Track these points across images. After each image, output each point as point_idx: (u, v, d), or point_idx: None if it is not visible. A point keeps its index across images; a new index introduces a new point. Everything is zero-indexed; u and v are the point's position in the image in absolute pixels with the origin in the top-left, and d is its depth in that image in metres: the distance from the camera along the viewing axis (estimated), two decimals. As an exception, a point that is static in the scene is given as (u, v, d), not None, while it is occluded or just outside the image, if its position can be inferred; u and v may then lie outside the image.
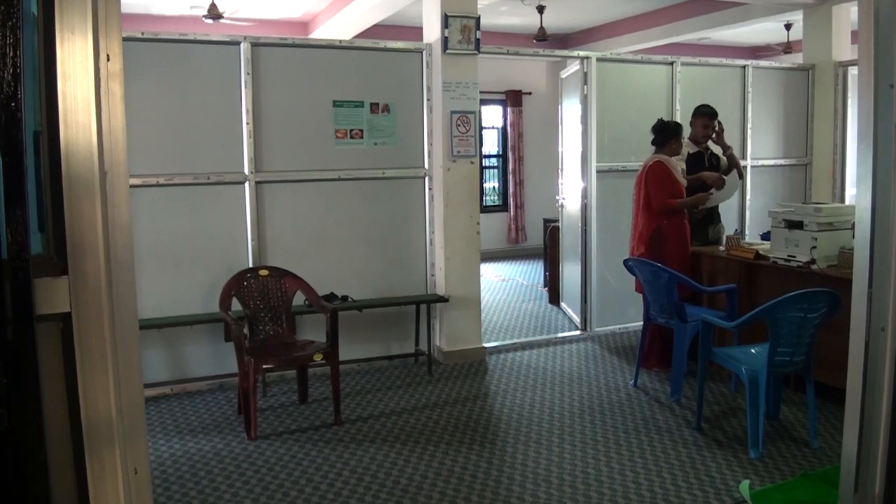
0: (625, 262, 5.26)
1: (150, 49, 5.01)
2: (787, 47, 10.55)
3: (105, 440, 1.52)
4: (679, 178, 5.51)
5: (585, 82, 6.57)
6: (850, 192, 7.49)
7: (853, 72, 7.48)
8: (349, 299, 5.51)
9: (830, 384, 4.61)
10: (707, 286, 5.42)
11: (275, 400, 5.08)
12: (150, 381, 5.15)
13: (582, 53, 6.62)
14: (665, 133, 5.49)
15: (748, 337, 4.84)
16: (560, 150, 7.51)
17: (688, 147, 5.90)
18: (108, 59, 1.48)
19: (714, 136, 5.93)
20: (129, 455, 1.57)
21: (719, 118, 5.90)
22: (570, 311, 7.35)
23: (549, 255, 8.35)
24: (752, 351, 4.34)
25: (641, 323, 5.49)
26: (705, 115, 5.89)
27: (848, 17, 7.62)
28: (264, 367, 4.38)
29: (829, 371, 4.51)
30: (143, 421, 1.67)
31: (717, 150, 6.00)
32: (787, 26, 10.06)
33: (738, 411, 4.78)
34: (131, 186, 4.75)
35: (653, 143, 5.57)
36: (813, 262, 4.80)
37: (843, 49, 7.59)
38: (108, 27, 1.46)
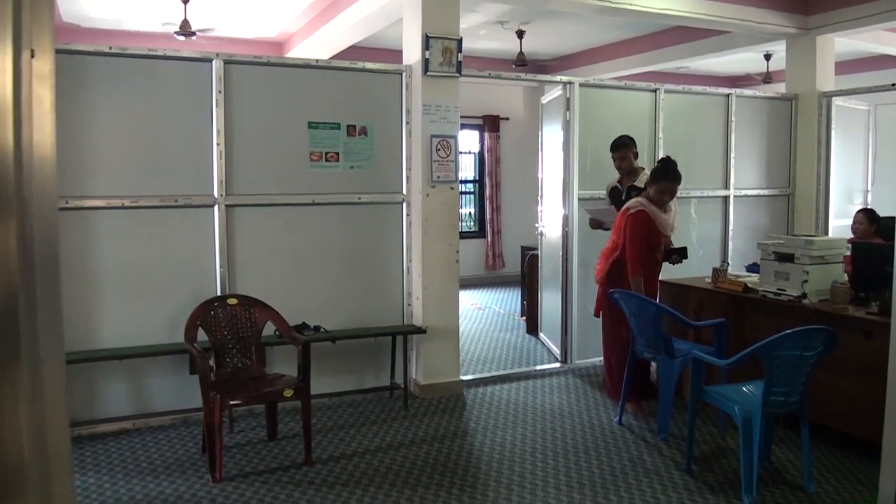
0: (611, 293, 5.06)
1: (117, 64, 4.77)
2: (767, 77, 10.52)
3: (13, 489, 1.27)
4: (661, 227, 5.21)
5: (568, 108, 6.42)
6: (834, 223, 7.39)
7: (837, 102, 7.41)
8: (322, 329, 5.26)
9: (824, 424, 4.44)
10: (693, 319, 5.23)
11: (242, 436, 4.79)
12: (111, 416, 4.88)
13: (564, 78, 6.47)
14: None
15: (737, 373, 4.65)
16: (540, 176, 7.33)
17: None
18: (33, 56, 1.14)
19: (622, 170, 5.82)
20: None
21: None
22: (549, 343, 7.14)
23: (528, 283, 8.15)
24: (745, 390, 4.15)
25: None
26: (613, 150, 5.83)
27: (832, 47, 7.56)
28: (231, 403, 4.11)
29: (822, 411, 4.34)
30: (67, 466, 1.43)
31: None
32: (767, 56, 10.03)
33: (727, 452, 4.58)
34: (94, 208, 4.52)
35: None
36: (804, 296, 4.64)
37: (827, 79, 7.51)
38: (34, 15, 1.14)
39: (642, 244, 5.15)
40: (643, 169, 5.82)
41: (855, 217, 6.05)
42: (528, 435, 4.87)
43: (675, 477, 4.20)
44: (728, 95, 7.23)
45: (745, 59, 10.51)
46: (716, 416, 5.03)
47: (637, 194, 5.43)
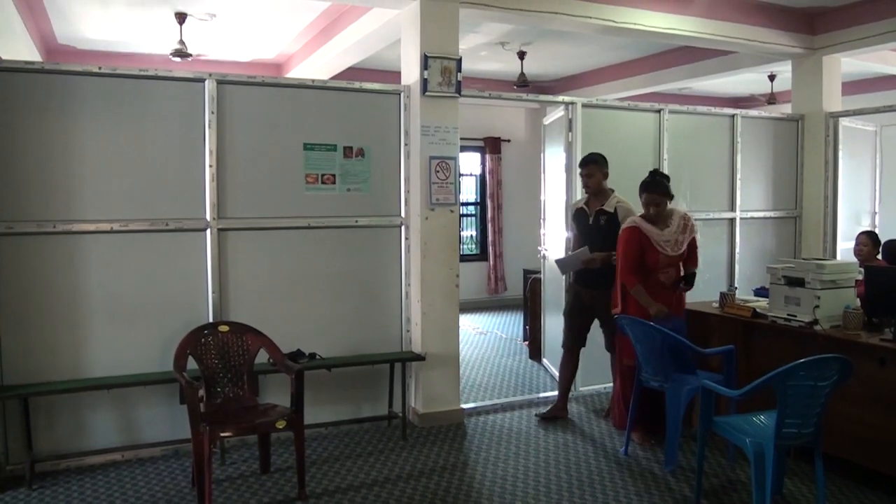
0: (618, 319, 4.90)
1: (107, 85, 4.66)
2: (771, 98, 10.41)
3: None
4: (657, 244, 4.96)
5: (570, 129, 6.29)
6: (841, 245, 7.22)
7: (844, 122, 7.27)
8: (317, 357, 5.09)
9: (836, 455, 4.26)
10: (701, 346, 5.05)
11: (234, 469, 4.62)
12: (99, 447, 4.71)
13: (567, 99, 6.34)
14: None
15: (747, 401, 4.47)
16: (542, 198, 7.19)
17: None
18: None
19: (589, 189, 5.48)
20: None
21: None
22: (552, 369, 6.96)
23: (530, 307, 7.99)
24: (756, 420, 3.97)
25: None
26: (581, 165, 5.58)
27: (838, 67, 7.43)
28: (221, 435, 3.95)
29: (834, 442, 4.16)
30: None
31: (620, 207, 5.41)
32: (772, 77, 9.93)
33: (738, 484, 4.40)
34: (82, 233, 4.37)
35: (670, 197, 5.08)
36: (816, 322, 4.48)
37: (834, 100, 7.38)
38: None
39: (631, 261, 4.97)
40: (613, 191, 5.51)
41: (858, 239, 5.89)
42: (530, 467, 4.69)
43: (684, 512, 4.03)
44: (733, 116, 7.10)
45: (748, 80, 10.40)
46: (724, 445, 4.86)
47: (605, 219, 5.36)
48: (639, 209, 5.14)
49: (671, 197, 5.04)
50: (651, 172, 5.12)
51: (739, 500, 4.18)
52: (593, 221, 5.44)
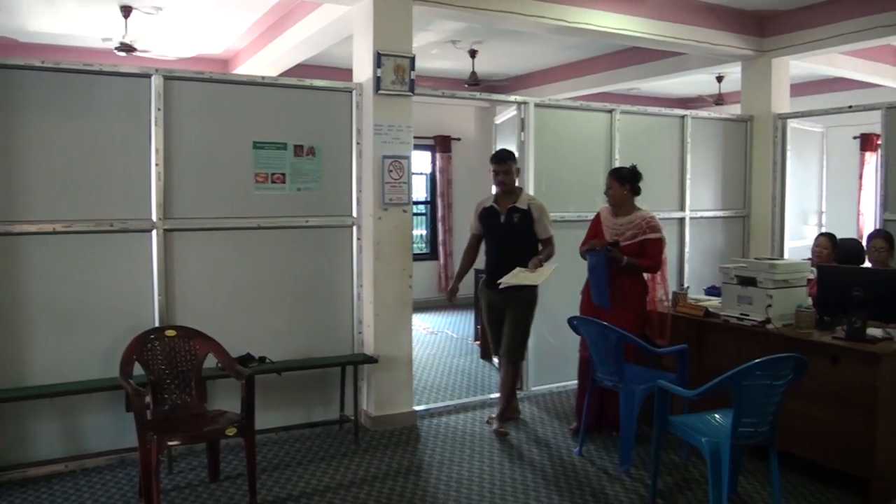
0: (569, 320, 4.88)
1: (50, 80, 4.46)
2: (719, 99, 10.55)
3: None
4: (605, 228, 5.17)
5: (522, 128, 6.26)
6: (790, 244, 7.34)
7: (792, 124, 7.39)
8: (267, 360, 4.97)
9: (789, 452, 4.30)
10: (653, 345, 5.07)
11: (181, 478, 4.47)
12: (42, 458, 4.52)
13: (519, 98, 6.32)
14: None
15: (699, 401, 4.48)
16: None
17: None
18: None
19: (502, 184, 5.22)
20: None
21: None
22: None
23: (481, 307, 7.94)
24: (712, 420, 3.99)
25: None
26: (499, 161, 5.27)
27: (787, 69, 7.55)
28: (169, 443, 3.81)
29: (789, 439, 4.19)
30: None
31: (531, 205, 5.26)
32: (719, 78, 10.05)
33: (692, 482, 4.41)
34: (23, 234, 4.18)
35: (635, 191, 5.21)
36: (768, 321, 4.52)
37: (783, 101, 7.49)
38: None
39: (587, 237, 5.31)
40: (522, 189, 5.45)
41: (817, 241, 5.88)
42: (485, 469, 4.64)
43: (640, 513, 4.02)
44: (683, 117, 7.16)
45: (696, 81, 10.52)
46: (677, 444, 4.87)
47: (519, 217, 5.18)
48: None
49: (629, 186, 5.14)
50: (631, 166, 5.24)
51: (695, 499, 4.19)
52: (506, 220, 5.21)
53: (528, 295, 5.23)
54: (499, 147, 7.00)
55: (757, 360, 3.58)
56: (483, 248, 5.50)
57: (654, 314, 5.22)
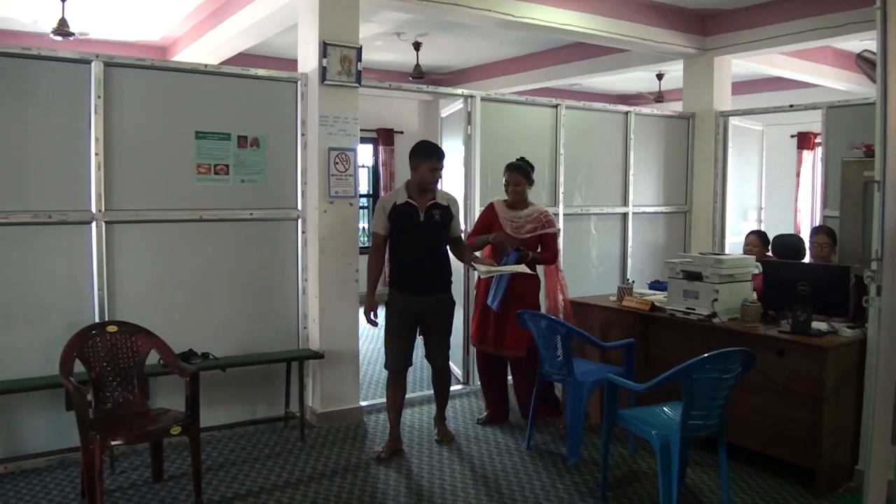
0: (518, 314, 4.86)
1: (-20, 64, 4.25)
2: (659, 96, 10.68)
3: None
4: (503, 222, 5.20)
5: (469, 122, 6.23)
6: (730, 239, 7.47)
7: (734, 122, 7.51)
8: (211, 356, 4.84)
9: (736, 444, 4.36)
10: (600, 339, 5.10)
11: (124, 478, 4.31)
12: (-23, 460, 4.31)
13: (466, 92, 6.28)
14: None
15: (645, 394, 4.52)
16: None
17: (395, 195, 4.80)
18: None
19: (430, 184, 4.70)
20: None
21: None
22: (450, 364, 6.89)
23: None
24: (661, 413, 4.01)
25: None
26: (428, 155, 4.66)
27: (729, 68, 7.68)
28: (112, 443, 3.68)
29: (736, 431, 4.24)
30: None
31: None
32: (660, 76, 10.18)
33: (640, 475, 4.45)
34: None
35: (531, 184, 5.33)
36: (714, 315, 4.57)
37: (724, 99, 7.62)
38: None
39: (476, 232, 5.35)
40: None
41: (747, 239, 6.00)
42: (434, 465, 4.60)
43: (590, 506, 4.04)
44: (627, 113, 7.21)
45: (637, 78, 10.64)
46: (624, 437, 4.90)
47: (440, 215, 4.70)
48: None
49: (531, 183, 5.27)
50: (519, 158, 5.31)
51: (643, 491, 4.22)
52: (425, 218, 4.67)
53: (451, 297, 4.91)
54: (445, 141, 7.00)
55: (707, 354, 3.61)
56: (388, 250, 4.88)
57: (566, 303, 5.51)
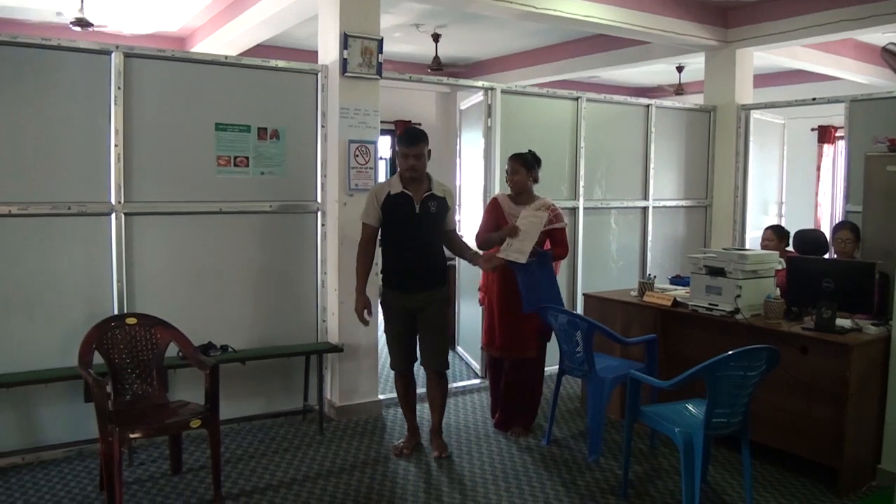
0: (539, 309, 4.82)
1: (4, 55, 4.23)
2: (679, 89, 10.59)
3: None
4: (507, 217, 4.92)
5: (489, 114, 6.18)
6: (751, 234, 7.40)
7: (756, 115, 7.43)
8: (230, 349, 4.84)
9: (759, 442, 4.31)
10: (621, 334, 5.05)
11: (143, 470, 4.32)
12: (-2, 450, 4.32)
13: (486, 84, 6.24)
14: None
15: (667, 390, 4.48)
16: (458, 184, 7.07)
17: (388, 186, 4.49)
18: None
19: (413, 169, 4.38)
20: None
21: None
22: (467, 357, 6.89)
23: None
24: (684, 410, 3.97)
25: (546, 370, 5.10)
26: (412, 143, 4.42)
27: (751, 60, 7.60)
28: (132, 436, 3.66)
29: (758, 428, 4.20)
30: None
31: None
32: (680, 68, 10.09)
33: (661, 472, 4.41)
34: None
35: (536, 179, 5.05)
36: (737, 311, 4.51)
37: (746, 92, 7.55)
38: None
39: (484, 227, 5.06)
40: (429, 174, 4.54)
41: (764, 234, 5.94)
42: (453, 460, 4.58)
43: (610, 501, 4.00)
44: (648, 106, 7.15)
45: (657, 71, 10.56)
46: (644, 433, 4.86)
47: (437, 206, 4.45)
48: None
49: (531, 173, 4.96)
50: (527, 151, 5.06)
51: (665, 488, 4.18)
52: (421, 209, 4.40)
53: (446, 292, 4.66)
54: (464, 133, 6.96)
55: (731, 352, 3.57)
56: (380, 244, 4.66)
57: None
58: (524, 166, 4.95)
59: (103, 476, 3.77)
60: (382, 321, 4.73)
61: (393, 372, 4.70)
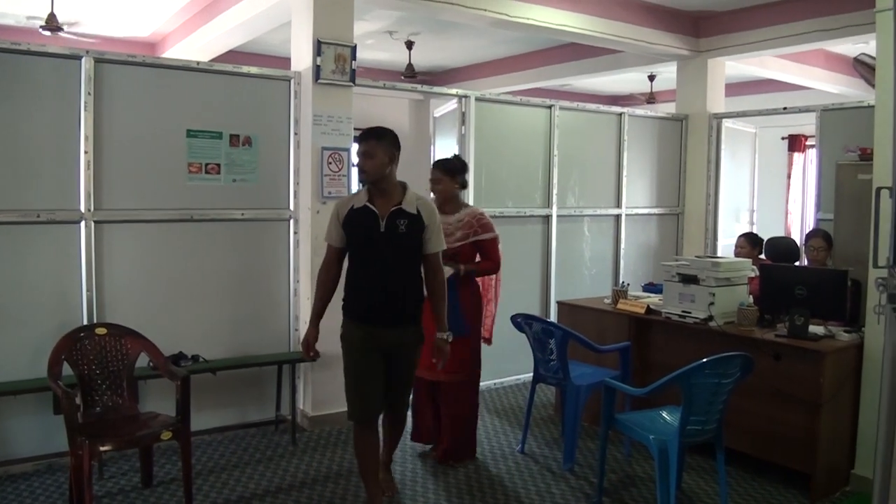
0: (513, 318, 4.81)
1: (-32, 59, 4.15)
2: (651, 97, 10.67)
3: None
4: None
5: (464, 122, 6.17)
6: (723, 242, 7.46)
7: (727, 124, 7.50)
8: (201, 359, 4.77)
9: (734, 448, 4.32)
10: (595, 342, 5.05)
11: (113, 483, 4.22)
12: (-37, 465, 4.22)
13: (461, 92, 6.22)
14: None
15: (641, 398, 4.48)
16: (430, 191, 7.02)
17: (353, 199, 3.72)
18: None
19: (363, 172, 3.59)
20: None
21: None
22: (442, 365, 6.84)
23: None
24: (658, 417, 3.98)
25: (520, 377, 5.07)
26: (369, 139, 3.61)
27: (722, 70, 7.67)
28: (102, 449, 3.59)
29: (732, 435, 4.21)
30: None
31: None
32: (651, 77, 10.16)
33: (636, 480, 4.41)
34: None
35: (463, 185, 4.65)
36: (710, 318, 4.54)
37: (718, 101, 7.61)
38: None
39: None
40: (405, 185, 3.69)
41: (737, 241, 6.02)
42: (428, 468, 4.54)
43: (586, 512, 4.00)
44: (621, 114, 7.18)
45: (629, 79, 10.62)
46: (619, 441, 4.87)
47: (406, 224, 3.56)
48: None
49: (456, 179, 4.54)
50: (453, 156, 4.80)
51: (639, 496, 4.18)
52: (387, 227, 3.56)
53: (419, 332, 3.76)
54: (438, 140, 6.95)
55: (706, 359, 3.58)
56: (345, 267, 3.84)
57: (490, 317, 4.89)
58: (447, 174, 4.50)
59: (73, 490, 3.68)
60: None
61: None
